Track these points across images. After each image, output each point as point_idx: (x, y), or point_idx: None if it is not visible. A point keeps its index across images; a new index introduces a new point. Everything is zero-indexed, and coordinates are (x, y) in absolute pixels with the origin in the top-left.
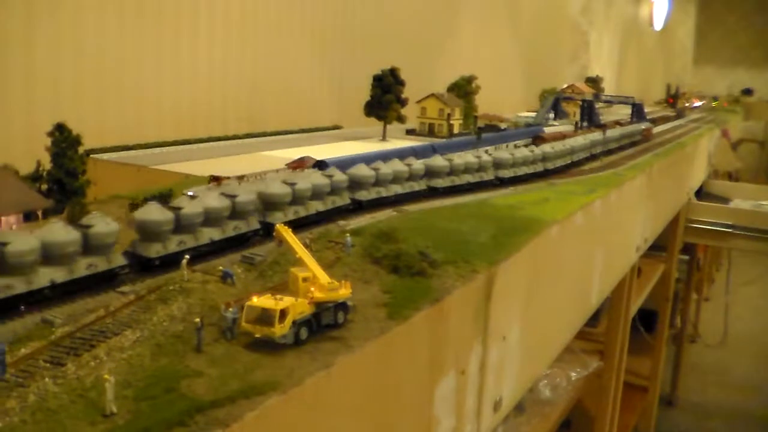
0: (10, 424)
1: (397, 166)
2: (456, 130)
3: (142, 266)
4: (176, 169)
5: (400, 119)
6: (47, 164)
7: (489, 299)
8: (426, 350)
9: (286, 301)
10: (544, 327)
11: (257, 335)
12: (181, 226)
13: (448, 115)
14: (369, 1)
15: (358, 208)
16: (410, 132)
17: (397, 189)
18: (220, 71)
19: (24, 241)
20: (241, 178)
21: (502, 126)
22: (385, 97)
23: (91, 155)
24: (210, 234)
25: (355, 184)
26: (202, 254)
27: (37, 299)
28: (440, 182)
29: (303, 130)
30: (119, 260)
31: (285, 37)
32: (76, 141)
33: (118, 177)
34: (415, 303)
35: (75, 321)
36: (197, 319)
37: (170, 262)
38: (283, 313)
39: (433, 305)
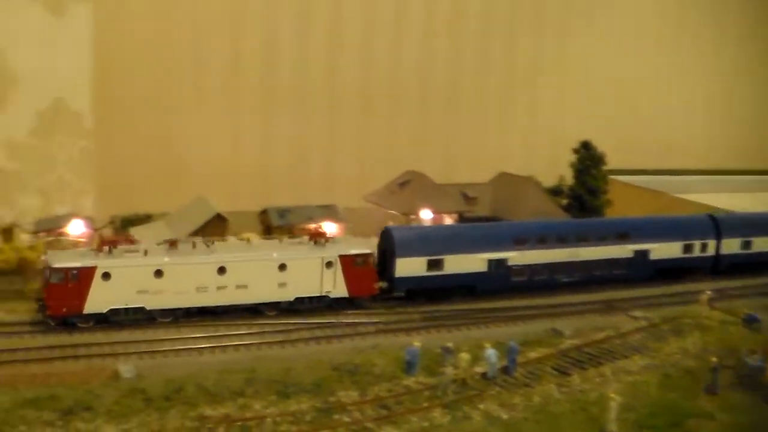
0: (513, 418)
1: None
2: None
3: None
4: (699, 199)
5: None
6: (569, 180)
7: None
8: None
9: None
10: None
11: None
12: None
13: None
14: None
15: None
16: None
17: None
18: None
19: None
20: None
21: None
22: None
23: (610, 176)
24: None
25: None
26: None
27: None
28: None
29: None
30: None
31: None
32: (600, 160)
33: (635, 200)
34: None
35: (583, 336)
36: (713, 359)
37: None
38: None
39: None
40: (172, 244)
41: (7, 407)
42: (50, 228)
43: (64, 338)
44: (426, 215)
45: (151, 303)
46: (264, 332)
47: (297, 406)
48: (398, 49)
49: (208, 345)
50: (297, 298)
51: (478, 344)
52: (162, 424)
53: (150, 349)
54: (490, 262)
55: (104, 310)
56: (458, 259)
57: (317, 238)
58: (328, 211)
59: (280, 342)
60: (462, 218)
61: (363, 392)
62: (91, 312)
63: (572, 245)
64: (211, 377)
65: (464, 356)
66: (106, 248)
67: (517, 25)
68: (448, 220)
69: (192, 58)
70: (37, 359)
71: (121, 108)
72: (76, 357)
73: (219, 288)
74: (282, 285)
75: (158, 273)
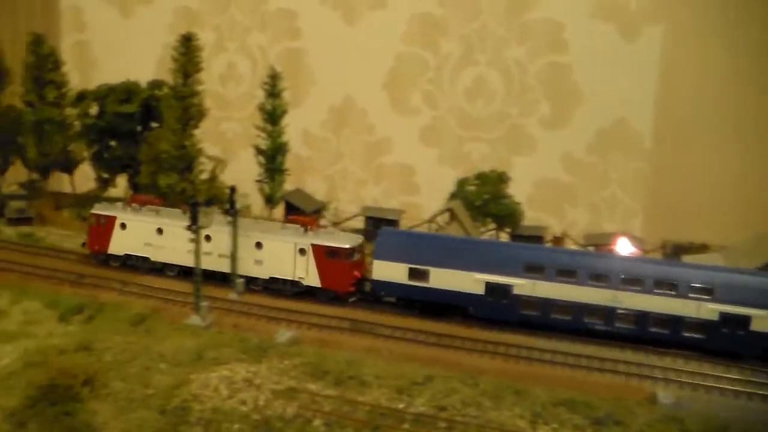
0: None
1: None
2: None
3: None
4: None
5: None
6: None
7: None
8: None
9: None
10: None
11: None
12: None
13: None
14: None
15: None
16: None
17: None
18: None
19: None
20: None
21: None
22: None
23: None
24: None
25: None
26: None
27: None
28: None
29: None
30: None
31: None
32: None
33: None
34: None
35: None
36: None
37: None
38: None
39: None
40: (187, 208)
41: (543, 402)
42: (597, 243)
43: (605, 352)
44: None
45: (154, 255)
46: None
47: None
48: None
49: (759, 391)
50: (272, 278)
51: None
52: None
53: (692, 381)
54: (488, 285)
55: (121, 254)
56: (446, 274)
57: (306, 225)
58: None
59: None
60: None
61: None
62: (113, 253)
63: (612, 287)
64: (756, 427)
65: None
66: (134, 205)
67: None
68: None
69: None
70: (574, 365)
71: (682, 131)
72: (614, 372)
73: (206, 253)
74: (258, 262)
75: (159, 231)
